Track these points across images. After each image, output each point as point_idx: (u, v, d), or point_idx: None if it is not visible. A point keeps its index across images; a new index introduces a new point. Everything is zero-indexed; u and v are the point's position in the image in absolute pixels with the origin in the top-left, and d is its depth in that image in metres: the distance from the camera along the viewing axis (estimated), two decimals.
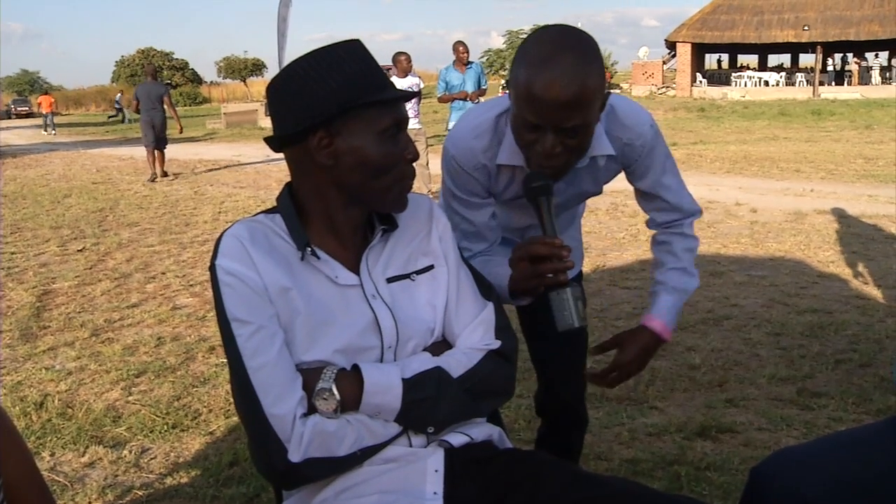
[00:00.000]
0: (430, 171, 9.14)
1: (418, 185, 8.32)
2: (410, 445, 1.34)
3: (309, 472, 1.25)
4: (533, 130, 1.47)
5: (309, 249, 1.32)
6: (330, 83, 1.27)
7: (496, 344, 1.43)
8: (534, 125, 1.46)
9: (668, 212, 1.89)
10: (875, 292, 4.98)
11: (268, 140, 1.35)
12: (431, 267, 1.45)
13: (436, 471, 1.31)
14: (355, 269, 1.37)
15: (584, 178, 1.76)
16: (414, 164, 1.38)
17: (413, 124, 9.20)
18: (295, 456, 1.23)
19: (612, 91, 1.70)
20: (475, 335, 1.43)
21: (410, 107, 9.26)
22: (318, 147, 1.29)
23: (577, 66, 1.40)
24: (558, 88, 1.39)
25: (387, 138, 1.31)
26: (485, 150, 1.69)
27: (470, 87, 9.11)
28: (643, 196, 1.89)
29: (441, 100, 9.43)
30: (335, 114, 1.27)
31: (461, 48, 9.18)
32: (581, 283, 2.15)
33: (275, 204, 1.40)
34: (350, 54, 1.31)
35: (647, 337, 1.83)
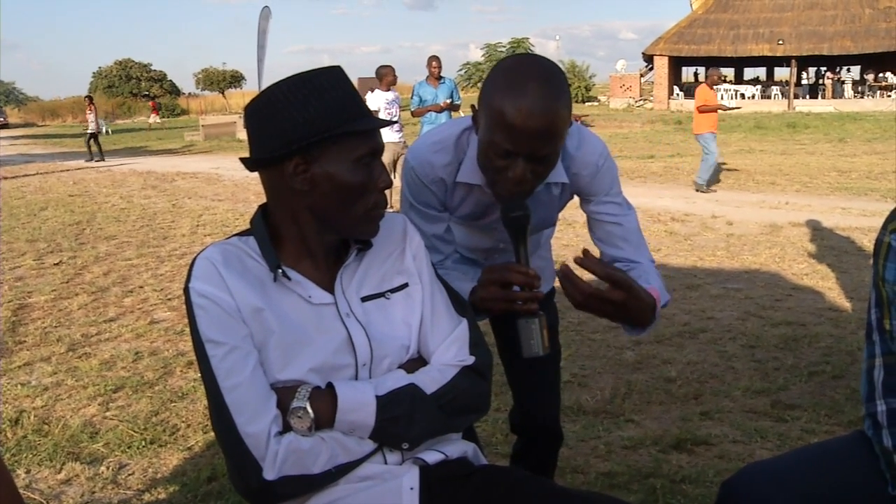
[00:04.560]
0: None
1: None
2: (385, 462, 1.35)
3: (284, 490, 1.26)
4: (504, 157, 1.49)
5: (280, 271, 1.33)
6: (309, 110, 1.28)
7: (470, 360, 1.44)
8: (506, 152, 1.48)
9: (619, 248, 1.78)
10: (848, 305, 5.06)
11: (244, 161, 1.36)
12: (406, 285, 1.47)
13: (411, 488, 1.32)
14: (329, 289, 1.39)
15: (538, 204, 1.73)
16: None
17: (395, 137, 9.17)
18: (270, 474, 1.25)
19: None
20: (450, 352, 1.44)
21: (393, 119, 9.25)
22: (294, 173, 1.30)
23: (552, 96, 1.44)
24: (536, 118, 1.42)
25: (362, 166, 1.32)
26: (445, 166, 1.72)
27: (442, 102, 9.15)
28: (590, 225, 1.83)
29: (414, 114, 9.41)
30: (313, 141, 1.28)
31: (434, 63, 9.21)
32: (553, 300, 2.18)
33: (249, 224, 1.41)
34: (330, 81, 1.32)
35: (648, 302, 1.58)
